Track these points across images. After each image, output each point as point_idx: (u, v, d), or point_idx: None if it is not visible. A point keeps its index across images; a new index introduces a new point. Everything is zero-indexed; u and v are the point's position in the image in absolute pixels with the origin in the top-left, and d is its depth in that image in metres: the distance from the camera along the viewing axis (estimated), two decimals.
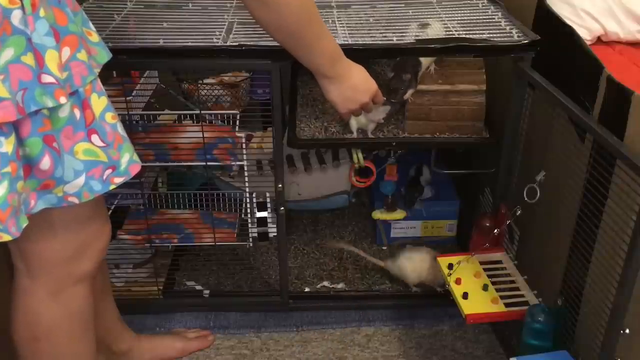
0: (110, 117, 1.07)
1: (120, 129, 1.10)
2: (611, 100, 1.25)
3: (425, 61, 1.63)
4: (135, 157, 1.13)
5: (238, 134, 1.74)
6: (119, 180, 1.10)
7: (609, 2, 1.73)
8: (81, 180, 1.04)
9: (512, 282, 1.58)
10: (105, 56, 1.11)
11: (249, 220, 1.88)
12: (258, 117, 1.91)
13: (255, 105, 2.01)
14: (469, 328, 1.77)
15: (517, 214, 1.51)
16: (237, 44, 1.48)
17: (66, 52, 0.98)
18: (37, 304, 1.21)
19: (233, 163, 1.75)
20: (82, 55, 1.01)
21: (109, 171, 1.08)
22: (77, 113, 1.02)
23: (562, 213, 1.42)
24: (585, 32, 1.73)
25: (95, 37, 1.10)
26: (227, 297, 1.87)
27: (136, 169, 1.12)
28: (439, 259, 1.65)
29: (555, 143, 1.46)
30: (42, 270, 1.18)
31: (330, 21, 1.66)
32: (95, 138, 1.05)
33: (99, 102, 1.05)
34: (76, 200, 1.06)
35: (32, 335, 1.22)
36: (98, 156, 1.06)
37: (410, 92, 1.62)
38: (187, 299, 1.87)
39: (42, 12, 0.93)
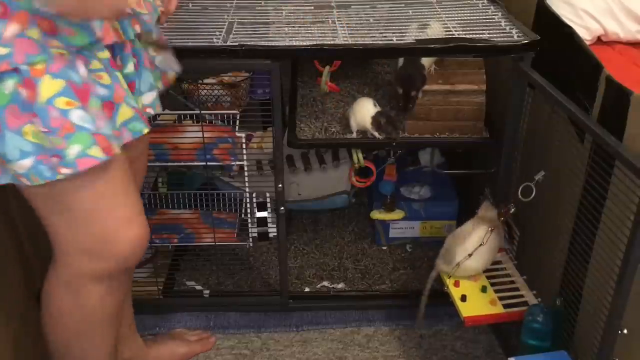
0: (64, 103, 1.00)
1: (76, 117, 1.01)
2: (610, 100, 1.24)
3: (426, 62, 1.64)
4: (92, 152, 1.03)
5: (238, 134, 1.74)
6: (66, 170, 1.02)
7: (609, 2, 1.73)
8: (28, 162, 1.01)
9: (512, 282, 1.58)
10: (85, 38, 1.02)
11: (249, 220, 1.88)
12: (258, 117, 1.91)
13: (255, 105, 2.01)
14: (469, 328, 1.77)
15: (511, 211, 1.51)
16: (237, 44, 1.48)
17: (13, 28, 0.94)
18: (50, 287, 1.22)
19: (233, 163, 1.75)
20: (32, 33, 0.96)
21: (55, 159, 1.02)
22: (23, 92, 0.98)
23: (562, 213, 1.42)
24: (585, 32, 1.73)
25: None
26: (227, 297, 1.87)
27: (87, 163, 1.03)
28: (437, 261, 1.65)
29: (554, 143, 1.45)
30: (59, 256, 1.18)
31: (330, 21, 1.66)
32: (36, 121, 0.99)
33: (52, 85, 0.99)
34: (26, 182, 1.03)
35: (46, 313, 1.26)
36: (44, 141, 1.01)
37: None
38: (187, 299, 1.87)
39: None
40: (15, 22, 0.94)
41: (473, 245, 1.53)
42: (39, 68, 0.98)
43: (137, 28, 1.14)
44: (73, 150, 1.02)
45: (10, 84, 0.97)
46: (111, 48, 1.11)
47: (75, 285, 1.19)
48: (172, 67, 1.29)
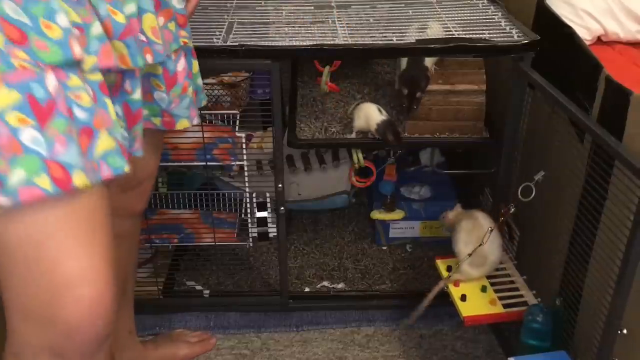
0: (16, 119, 0.82)
1: (27, 137, 0.82)
2: (610, 100, 1.24)
3: (428, 63, 1.64)
4: (40, 181, 0.82)
5: (238, 134, 1.75)
6: (3, 200, 0.81)
7: (609, 2, 1.73)
8: None
9: (512, 282, 1.58)
10: (57, 56, 0.86)
11: (249, 220, 1.88)
12: (258, 117, 1.92)
13: (255, 105, 2.01)
14: (469, 328, 1.77)
15: (511, 211, 1.51)
16: (237, 44, 1.49)
17: None
18: (4, 356, 0.97)
19: (233, 163, 1.75)
20: None
21: None
22: None
23: (561, 213, 1.42)
24: (585, 32, 1.73)
25: (55, 32, 0.86)
26: (227, 297, 1.87)
27: (31, 194, 0.82)
28: (437, 260, 1.66)
29: (554, 143, 1.46)
30: (7, 318, 0.93)
31: (330, 21, 1.66)
32: None
33: (4, 96, 0.82)
34: None
35: None
36: None
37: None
38: (187, 299, 1.87)
39: None
40: None
41: (488, 235, 1.53)
42: None
43: (149, 58, 1.03)
44: (16, 175, 0.82)
45: None
46: (121, 72, 1.00)
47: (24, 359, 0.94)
48: (189, 115, 1.21)
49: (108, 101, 0.93)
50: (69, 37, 0.87)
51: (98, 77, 0.92)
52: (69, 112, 0.87)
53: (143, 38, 1.02)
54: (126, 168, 0.95)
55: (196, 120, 1.24)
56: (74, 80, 0.88)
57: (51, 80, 0.85)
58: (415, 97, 1.62)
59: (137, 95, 1.04)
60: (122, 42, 0.97)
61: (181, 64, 1.15)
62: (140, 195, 1.36)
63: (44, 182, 0.83)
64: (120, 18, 0.96)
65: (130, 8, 0.98)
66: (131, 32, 0.98)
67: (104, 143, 0.92)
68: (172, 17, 1.11)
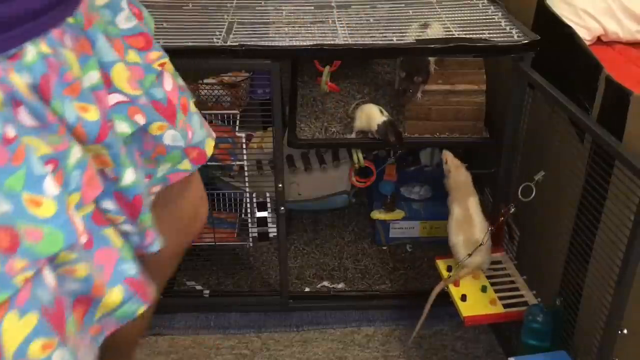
0: (40, 348, 0.66)
1: None
2: (610, 100, 1.24)
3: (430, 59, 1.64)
4: None
5: (238, 134, 1.75)
6: None
7: (609, 2, 1.73)
8: None
9: (512, 282, 1.58)
10: (56, 244, 0.67)
11: (249, 220, 1.88)
12: (258, 117, 1.91)
13: (255, 105, 2.01)
14: (469, 328, 1.77)
15: (511, 211, 1.51)
16: (237, 44, 1.49)
17: None
18: None
19: (233, 163, 1.75)
20: None
21: None
22: None
23: (562, 213, 1.42)
24: (585, 32, 1.73)
25: (46, 209, 0.66)
26: (227, 297, 1.87)
27: None
28: (437, 260, 1.66)
29: (554, 143, 1.46)
30: None
31: (330, 21, 1.66)
32: None
33: (21, 327, 0.65)
34: None
35: None
36: None
37: (419, 94, 1.64)
38: (187, 299, 1.87)
39: None
40: None
41: (481, 217, 1.57)
42: None
43: (140, 119, 0.84)
44: None
45: None
46: None
47: None
48: (208, 132, 1.02)
49: (108, 232, 0.78)
50: (65, 206, 0.68)
51: (88, 209, 0.75)
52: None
53: (122, 98, 0.82)
54: (141, 310, 0.81)
55: (214, 134, 1.04)
56: (64, 255, 0.71)
57: (49, 277, 0.69)
58: (413, 80, 1.60)
59: (128, 179, 0.81)
60: (101, 145, 0.76)
61: (168, 83, 0.92)
62: (157, 271, 1.04)
63: None
64: (92, 115, 0.74)
65: (92, 77, 0.76)
66: (107, 131, 0.76)
67: (108, 304, 0.78)
68: (125, 47, 0.86)
